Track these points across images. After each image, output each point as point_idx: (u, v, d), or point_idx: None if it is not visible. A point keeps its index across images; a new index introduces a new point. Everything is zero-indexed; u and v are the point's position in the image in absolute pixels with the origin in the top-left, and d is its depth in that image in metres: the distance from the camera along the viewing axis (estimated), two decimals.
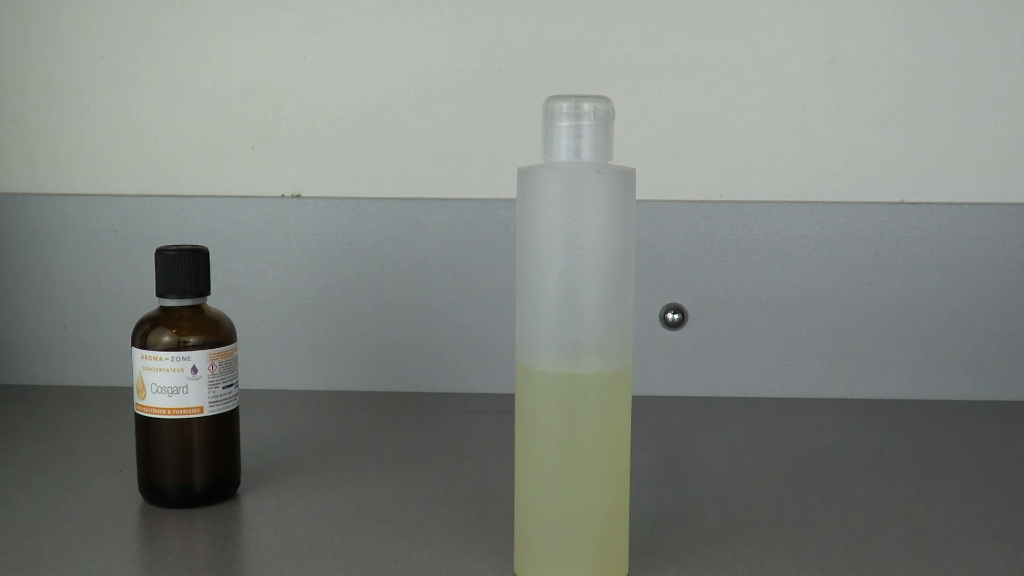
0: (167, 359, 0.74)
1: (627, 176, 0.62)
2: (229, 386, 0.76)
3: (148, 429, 0.75)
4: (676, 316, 1.05)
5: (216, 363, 0.75)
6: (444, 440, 0.92)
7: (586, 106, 0.61)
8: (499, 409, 0.99)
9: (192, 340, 0.75)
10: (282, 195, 1.07)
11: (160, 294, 0.76)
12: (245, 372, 0.96)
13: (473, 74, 1.06)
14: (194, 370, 0.74)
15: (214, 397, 0.75)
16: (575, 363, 0.62)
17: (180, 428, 0.75)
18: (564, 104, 0.61)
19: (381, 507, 0.76)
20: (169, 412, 0.74)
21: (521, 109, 1.03)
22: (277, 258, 1.06)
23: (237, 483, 0.78)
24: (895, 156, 1.05)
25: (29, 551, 0.68)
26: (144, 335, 0.75)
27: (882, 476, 0.84)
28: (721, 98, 1.05)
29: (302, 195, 1.07)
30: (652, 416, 0.97)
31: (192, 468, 0.75)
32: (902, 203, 1.04)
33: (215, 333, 0.76)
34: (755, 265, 1.04)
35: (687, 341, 1.05)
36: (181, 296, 0.75)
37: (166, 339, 0.74)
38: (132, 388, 0.76)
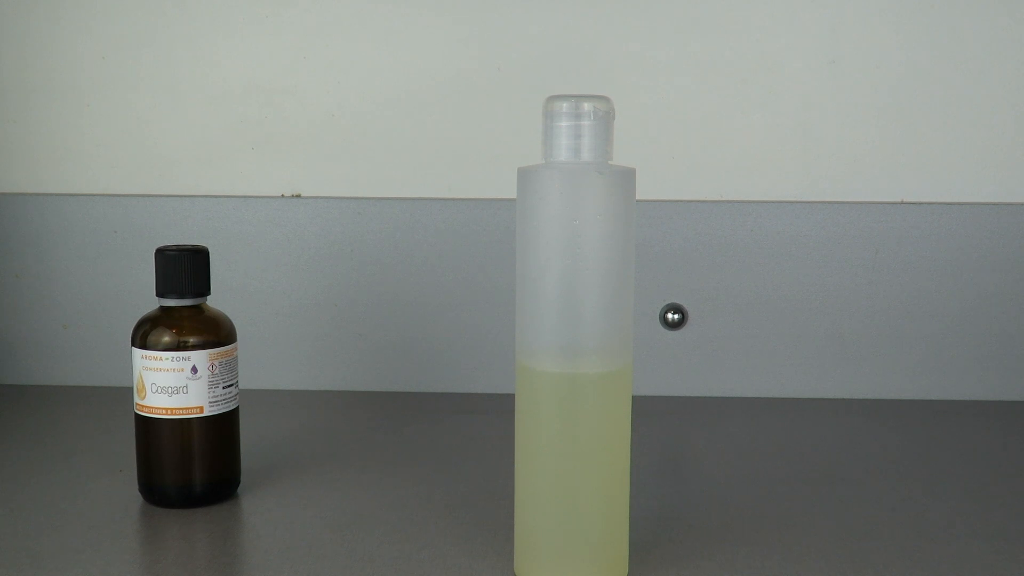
0: (167, 359, 0.74)
1: (627, 176, 0.62)
2: (229, 386, 0.76)
3: (148, 429, 0.75)
4: (676, 316, 1.05)
5: (216, 363, 0.75)
6: (444, 440, 0.92)
7: (586, 106, 0.61)
8: (499, 409, 0.99)
9: (192, 340, 0.75)
10: (282, 195, 1.07)
11: (160, 294, 0.76)
12: (245, 372, 0.96)
13: (473, 74, 1.06)
14: (194, 370, 0.74)
15: (214, 397, 0.75)
16: (575, 363, 0.62)
17: (180, 428, 0.75)
18: (564, 104, 0.61)
19: (381, 507, 0.76)
20: (169, 412, 0.74)
21: (521, 109, 1.03)
22: (277, 258, 1.06)
23: (237, 483, 0.78)
24: (895, 156, 1.05)
25: (29, 551, 0.69)
26: (144, 335, 0.75)
27: (882, 476, 0.84)
28: (721, 98, 1.05)
29: (302, 195, 1.07)
30: (652, 416, 0.97)
31: (192, 468, 0.75)
32: (902, 203, 1.04)
33: (215, 333, 0.76)
34: (755, 265, 1.04)
35: (687, 341, 1.05)
36: (181, 296, 0.75)
37: (166, 339, 0.74)
38: (132, 388, 0.76)
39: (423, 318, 1.06)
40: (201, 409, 0.75)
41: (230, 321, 0.77)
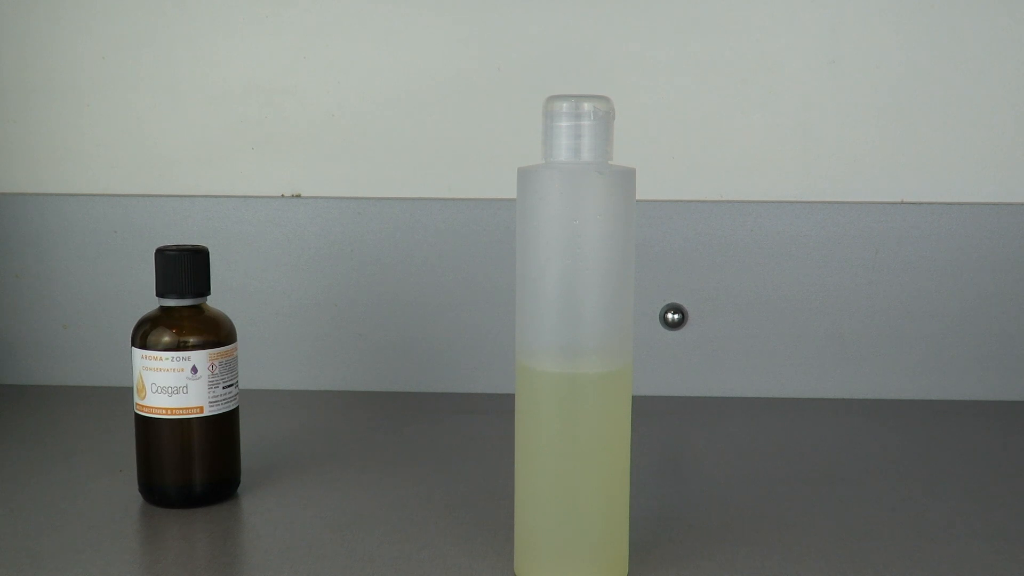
0: (167, 359, 0.74)
1: (627, 176, 0.62)
2: (229, 386, 0.76)
3: (148, 429, 0.75)
4: (676, 316, 1.05)
5: (216, 363, 0.75)
6: (444, 440, 0.92)
7: (586, 106, 0.61)
8: (499, 409, 0.99)
9: (192, 340, 0.75)
10: (282, 195, 1.07)
11: (160, 294, 0.76)
12: (245, 372, 0.96)
13: (473, 74, 1.06)
14: (194, 370, 0.74)
15: (214, 397, 0.75)
16: (575, 363, 0.62)
17: (180, 428, 0.75)
18: (564, 104, 0.61)
19: (381, 507, 0.76)
20: (169, 412, 0.74)
21: (521, 109, 1.03)
22: (277, 258, 1.06)
23: (237, 483, 0.78)
24: (895, 156, 1.05)
25: (29, 551, 0.69)
26: (144, 335, 0.75)
27: (882, 476, 0.84)
28: (721, 98, 1.05)
29: (302, 195, 1.07)
30: (652, 416, 0.97)
31: (192, 468, 0.75)
32: (902, 203, 1.04)
33: (215, 333, 0.76)
34: (755, 265, 1.04)
35: (687, 341, 1.05)
36: (181, 296, 0.75)
37: (166, 339, 0.74)
38: (132, 388, 0.76)
39: (423, 318, 1.06)
40: (201, 409, 0.75)
41: (230, 321, 0.78)
